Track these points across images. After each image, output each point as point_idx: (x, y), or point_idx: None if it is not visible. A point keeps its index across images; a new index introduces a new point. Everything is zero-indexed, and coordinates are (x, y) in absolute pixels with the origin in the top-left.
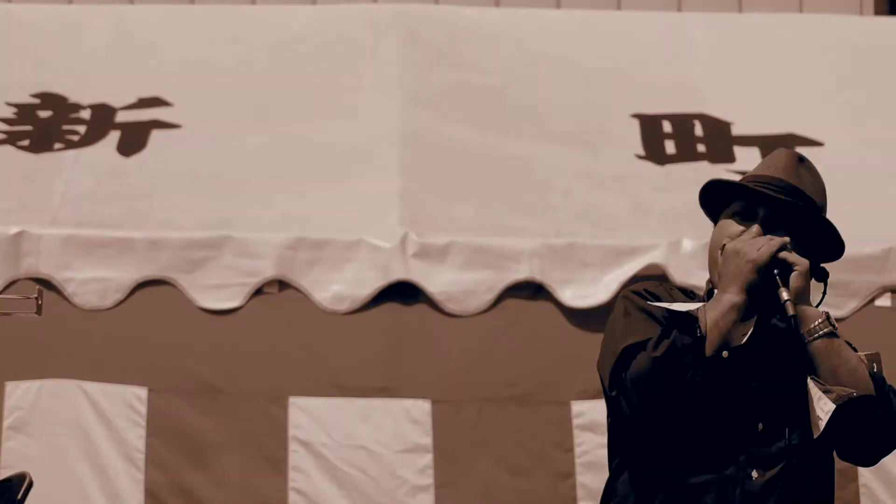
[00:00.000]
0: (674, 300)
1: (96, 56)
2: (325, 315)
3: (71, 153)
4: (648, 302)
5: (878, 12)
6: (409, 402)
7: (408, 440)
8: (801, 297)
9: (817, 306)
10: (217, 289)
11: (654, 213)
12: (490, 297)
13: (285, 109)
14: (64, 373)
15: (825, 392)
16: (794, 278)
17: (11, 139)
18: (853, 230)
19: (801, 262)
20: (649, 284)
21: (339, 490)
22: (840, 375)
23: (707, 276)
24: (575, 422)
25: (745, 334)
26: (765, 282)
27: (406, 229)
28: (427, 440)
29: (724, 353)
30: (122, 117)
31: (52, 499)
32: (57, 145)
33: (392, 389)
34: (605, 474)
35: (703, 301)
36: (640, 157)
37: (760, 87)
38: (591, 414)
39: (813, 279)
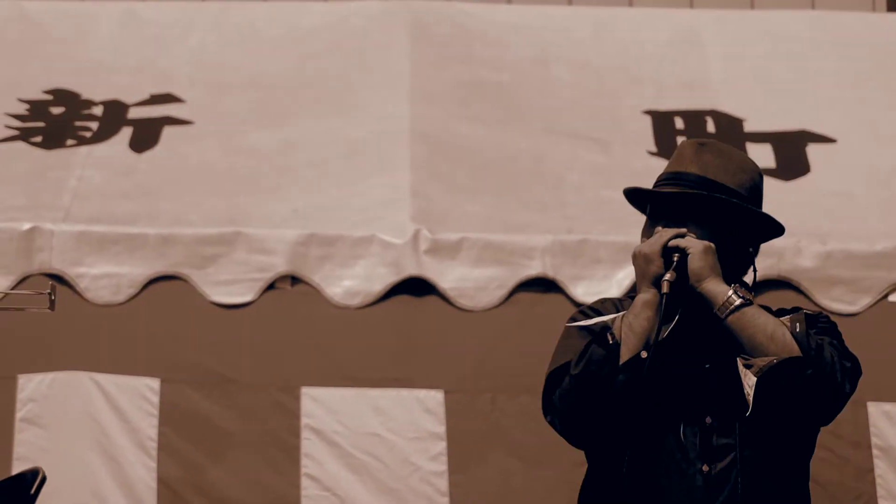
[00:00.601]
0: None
1: (108, 52)
2: (337, 310)
3: (83, 149)
4: (577, 322)
5: (890, 9)
6: (421, 393)
7: (421, 428)
8: (701, 276)
9: (751, 286)
10: (229, 284)
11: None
12: (502, 293)
13: (297, 106)
14: (76, 365)
15: (747, 367)
16: (689, 261)
17: (24, 135)
18: (865, 226)
19: (693, 245)
20: (597, 301)
21: (353, 476)
22: (759, 344)
23: None
24: None
25: (667, 328)
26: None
27: (418, 225)
28: (440, 429)
29: (643, 354)
30: (134, 114)
31: (66, 489)
32: (69, 141)
33: (405, 380)
34: None
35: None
36: (653, 154)
37: (773, 83)
38: None
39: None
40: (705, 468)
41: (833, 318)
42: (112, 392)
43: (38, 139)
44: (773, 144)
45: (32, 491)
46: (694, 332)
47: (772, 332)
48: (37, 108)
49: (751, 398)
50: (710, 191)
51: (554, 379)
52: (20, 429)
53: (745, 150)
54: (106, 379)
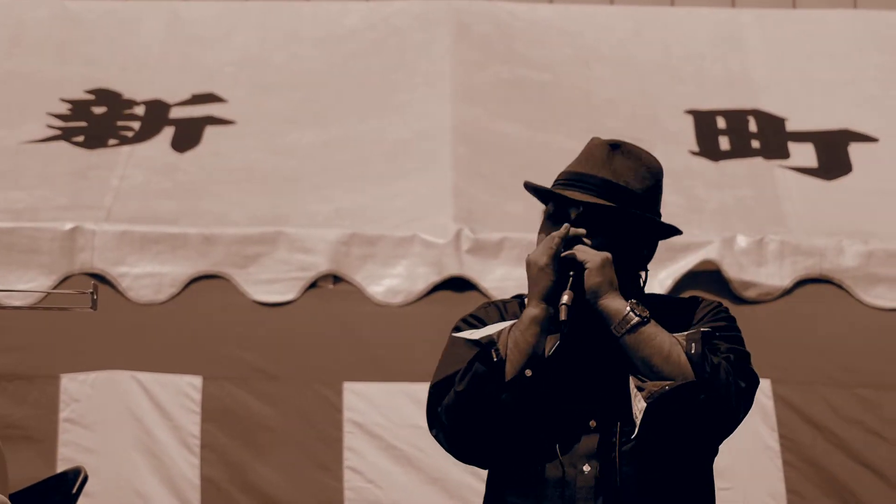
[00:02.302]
0: (505, 319)
1: (150, 52)
2: (379, 308)
3: (125, 149)
4: (461, 333)
5: None
6: None
7: None
8: (598, 292)
9: (643, 285)
10: (271, 283)
11: (707, 209)
12: None
13: (338, 106)
14: (118, 364)
15: (638, 389)
16: (586, 276)
17: (66, 135)
18: None
19: (591, 257)
20: (480, 308)
21: (395, 467)
22: (655, 366)
23: None
24: None
25: (555, 345)
26: (559, 286)
27: (459, 225)
28: None
29: (528, 372)
30: (176, 113)
31: (110, 489)
32: (111, 141)
33: None
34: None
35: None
36: (694, 154)
37: (814, 82)
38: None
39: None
40: (587, 468)
41: (876, 314)
42: (154, 390)
43: (81, 139)
44: (815, 144)
45: (74, 490)
46: (583, 344)
47: (667, 354)
48: (79, 108)
49: (638, 421)
50: (616, 198)
51: (438, 391)
52: (64, 429)
53: (787, 150)
54: (148, 377)
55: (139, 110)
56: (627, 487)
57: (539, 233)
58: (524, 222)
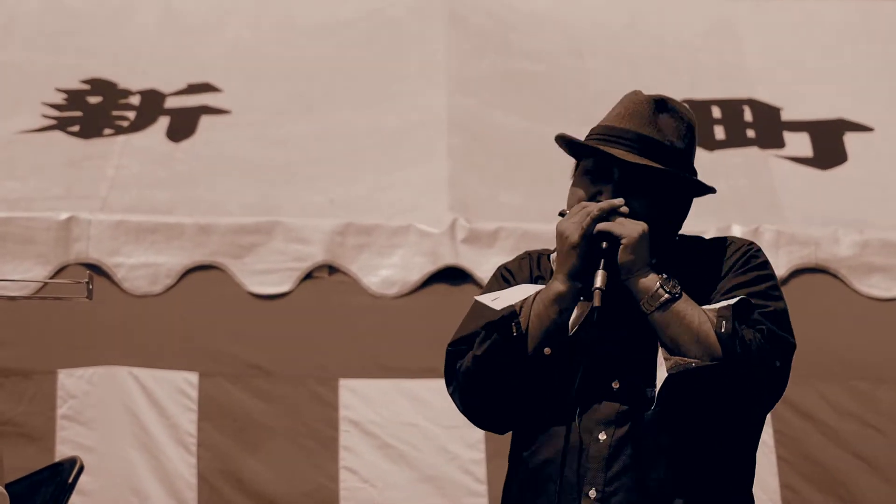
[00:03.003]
0: (533, 275)
1: (145, 42)
2: (375, 299)
3: (120, 139)
4: (485, 296)
5: None
6: None
7: (458, 417)
8: (631, 269)
9: (677, 239)
10: (266, 274)
11: (702, 198)
12: None
13: (334, 96)
14: (115, 360)
15: (666, 360)
16: (620, 253)
17: (61, 125)
18: None
19: (627, 233)
20: (516, 259)
21: (391, 466)
22: (683, 344)
23: None
24: None
25: (579, 320)
26: (590, 261)
27: (455, 215)
28: None
29: (547, 351)
30: (171, 103)
31: (108, 487)
32: (107, 131)
33: (441, 370)
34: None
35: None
36: None
37: (810, 71)
38: None
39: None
40: (602, 436)
41: (871, 304)
42: (151, 387)
43: (76, 129)
44: (811, 133)
45: (70, 480)
46: (611, 319)
47: (696, 333)
48: (74, 98)
49: (655, 391)
50: (661, 157)
51: (457, 349)
52: (62, 426)
53: (782, 139)
54: (144, 373)
55: (134, 100)
56: (640, 460)
57: (573, 187)
58: (519, 212)
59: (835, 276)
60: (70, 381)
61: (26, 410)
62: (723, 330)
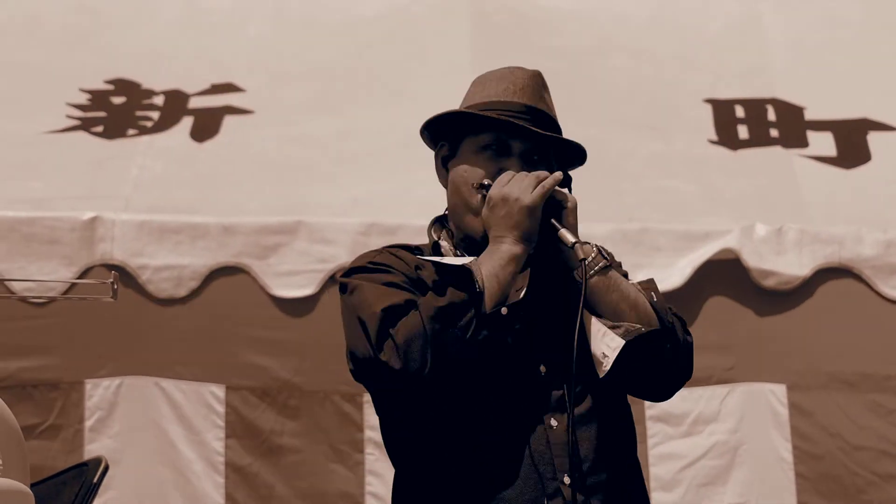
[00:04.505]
0: (405, 267)
1: (167, 41)
2: None
3: (144, 139)
4: (399, 264)
5: None
6: None
7: None
8: (573, 232)
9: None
10: (290, 275)
11: (726, 198)
12: None
13: (356, 94)
14: (141, 369)
15: (612, 328)
16: (567, 216)
17: (85, 125)
18: None
19: (570, 198)
20: (369, 256)
21: None
22: (621, 311)
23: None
24: (647, 413)
25: (523, 287)
26: (540, 225)
27: None
28: None
29: (504, 310)
30: (195, 103)
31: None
32: (130, 131)
33: None
34: (667, 464)
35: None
36: (713, 142)
37: (833, 70)
38: (662, 405)
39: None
40: (554, 422)
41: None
42: (178, 399)
43: (100, 129)
44: (834, 132)
45: (95, 479)
46: (537, 285)
47: (634, 300)
48: (98, 98)
49: (610, 360)
50: (559, 132)
51: (391, 315)
52: (90, 439)
53: (806, 139)
54: (171, 385)
55: (158, 100)
56: (601, 439)
57: (467, 164)
58: None
59: (858, 276)
60: (97, 391)
61: (55, 423)
62: (655, 300)
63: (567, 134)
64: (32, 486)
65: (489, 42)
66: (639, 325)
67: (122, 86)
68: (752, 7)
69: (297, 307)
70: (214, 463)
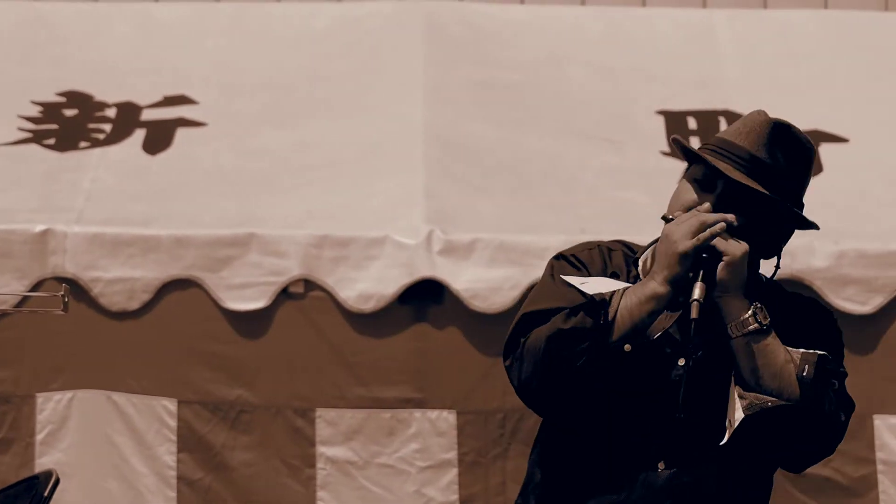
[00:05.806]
0: (608, 268)
1: (121, 54)
2: (351, 316)
3: (96, 151)
4: (571, 277)
5: None
6: (434, 414)
7: (434, 456)
8: (728, 288)
9: (770, 279)
10: (243, 288)
11: None
12: (516, 293)
13: (310, 107)
14: (93, 383)
15: (740, 398)
16: (720, 269)
17: (37, 138)
18: (878, 226)
19: (731, 252)
20: (582, 249)
21: None
22: (762, 378)
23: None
24: None
25: (665, 327)
26: (689, 271)
27: (431, 226)
28: (452, 454)
29: (627, 347)
30: (147, 115)
31: None
32: (82, 144)
33: (417, 400)
34: None
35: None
36: (665, 154)
37: (785, 82)
38: None
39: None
40: (660, 466)
41: (845, 318)
42: (130, 413)
43: (52, 141)
44: None
45: (46, 493)
46: (688, 327)
47: (778, 371)
48: (50, 111)
49: (732, 428)
50: (768, 182)
51: (528, 320)
52: (41, 453)
53: None
54: (123, 399)
55: (110, 112)
56: (698, 495)
57: (678, 191)
58: (496, 223)
59: (810, 287)
60: (49, 405)
61: (6, 437)
62: (804, 374)
63: (523, 146)
64: None
65: (443, 54)
66: (766, 399)
67: (74, 98)
68: (706, 19)
69: (250, 320)
70: (166, 477)
